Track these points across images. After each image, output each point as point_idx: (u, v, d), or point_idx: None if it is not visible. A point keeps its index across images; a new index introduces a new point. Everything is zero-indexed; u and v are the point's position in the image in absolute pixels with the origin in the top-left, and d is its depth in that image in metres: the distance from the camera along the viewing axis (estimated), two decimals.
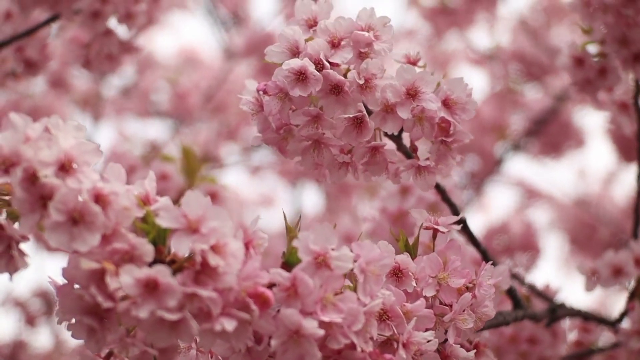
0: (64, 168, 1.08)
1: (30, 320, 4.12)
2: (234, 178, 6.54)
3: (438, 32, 4.05)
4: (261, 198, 5.39)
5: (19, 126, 1.09)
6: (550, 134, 3.88)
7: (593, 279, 1.77)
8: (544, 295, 1.85)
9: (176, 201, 1.13)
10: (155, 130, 4.76)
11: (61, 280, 1.12)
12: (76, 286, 1.10)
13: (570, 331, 1.95)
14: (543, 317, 1.72)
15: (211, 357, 1.29)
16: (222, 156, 4.84)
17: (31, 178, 1.07)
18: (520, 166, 5.55)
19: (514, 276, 1.87)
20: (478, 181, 4.18)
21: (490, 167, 4.09)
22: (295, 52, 1.37)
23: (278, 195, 5.35)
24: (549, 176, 4.88)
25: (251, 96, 1.40)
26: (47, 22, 2.16)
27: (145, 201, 1.16)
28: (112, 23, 2.16)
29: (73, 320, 1.12)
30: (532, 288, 1.87)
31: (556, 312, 1.74)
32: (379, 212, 1.92)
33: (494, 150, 4.15)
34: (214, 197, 2.34)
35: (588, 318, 1.82)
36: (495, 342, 1.89)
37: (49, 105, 3.99)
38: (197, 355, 1.28)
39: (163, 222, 1.09)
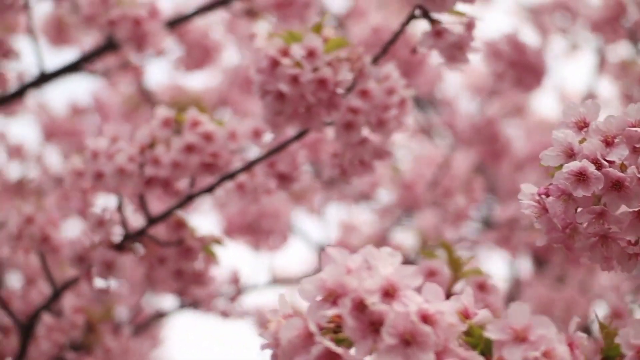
0: (388, 294, 1.14)
1: None
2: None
3: None
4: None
5: (339, 259, 1.15)
6: None
7: None
8: None
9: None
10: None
11: None
12: None
13: None
14: None
15: None
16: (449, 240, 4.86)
17: (359, 307, 1.13)
18: None
19: None
20: None
21: None
22: (570, 154, 1.40)
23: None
24: None
25: (531, 200, 1.43)
26: (297, 137, 2.22)
27: (465, 315, 1.21)
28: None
29: None
30: None
31: None
32: None
33: None
34: (483, 288, 2.31)
35: None
36: None
37: (272, 206, 4.07)
38: None
39: (492, 334, 1.12)
